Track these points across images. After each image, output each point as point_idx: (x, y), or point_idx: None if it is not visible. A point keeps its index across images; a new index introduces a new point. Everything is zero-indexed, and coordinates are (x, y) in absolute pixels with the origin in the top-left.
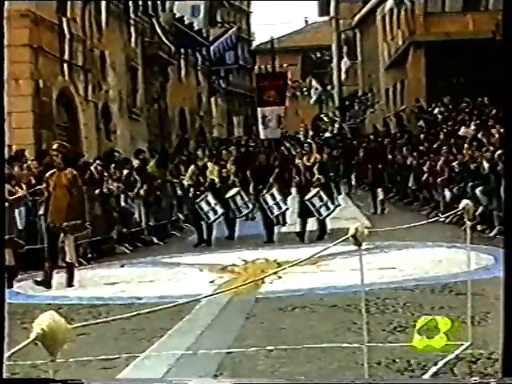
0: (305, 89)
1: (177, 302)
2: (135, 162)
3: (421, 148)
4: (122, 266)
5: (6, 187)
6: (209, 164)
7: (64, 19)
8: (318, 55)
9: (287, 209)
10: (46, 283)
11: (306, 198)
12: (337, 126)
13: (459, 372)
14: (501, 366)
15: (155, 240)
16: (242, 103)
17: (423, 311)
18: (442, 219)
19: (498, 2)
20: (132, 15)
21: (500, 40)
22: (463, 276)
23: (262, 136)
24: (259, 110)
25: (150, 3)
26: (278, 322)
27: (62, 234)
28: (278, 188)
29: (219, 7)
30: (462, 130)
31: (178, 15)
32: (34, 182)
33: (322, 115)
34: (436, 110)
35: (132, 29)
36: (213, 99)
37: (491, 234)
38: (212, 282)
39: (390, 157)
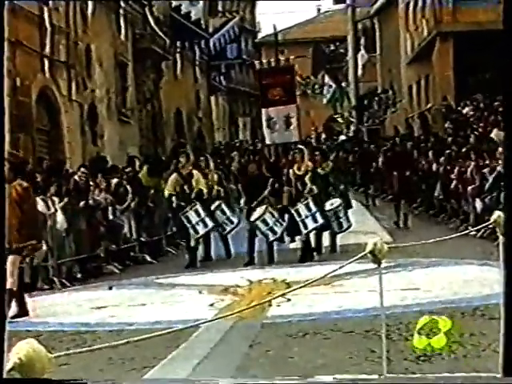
0: (316, 86)
1: (172, 327)
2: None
3: (448, 152)
4: (111, 288)
5: None
6: (194, 172)
7: (45, 9)
8: (332, 48)
9: (284, 229)
10: (20, 312)
11: (294, 208)
12: (353, 128)
13: None
14: (501, 366)
15: (148, 258)
16: (247, 103)
17: (451, 337)
18: (472, 233)
19: None
20: (122, 4)
21: None
22: (496, 298)
23: (267, 141)
24: (263, 111)
25: None
26: (286, 350)
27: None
28: (270, 205)
29: None
30: (495, 133)
31: (173, 4)
32: None
33: (336, 116)
34: (465, 110)
35: (121, 19)
36: (213, 98)
37: None
38: (212, 305)
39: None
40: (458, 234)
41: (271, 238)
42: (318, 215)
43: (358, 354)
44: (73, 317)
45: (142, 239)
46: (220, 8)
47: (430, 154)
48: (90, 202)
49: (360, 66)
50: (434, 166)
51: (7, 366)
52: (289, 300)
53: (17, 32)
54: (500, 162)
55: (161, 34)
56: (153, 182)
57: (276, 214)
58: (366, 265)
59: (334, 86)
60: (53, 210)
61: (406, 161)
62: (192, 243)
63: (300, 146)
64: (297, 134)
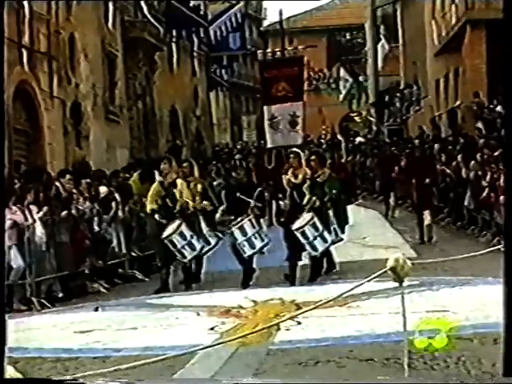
0: (331, 81)
1: (166, 354)
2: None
3: (480, 156)
4: (96, 310)
5: None
6: (178, 181)
7: None
8: (348, 37)
9: (265, 245)
10: None
11: (295, 227)
12: (372, 127)
13: None
14: (501, 366)
15: (139, 275)
16: (251, 99)
17: (482, 367)
18: None
19: None
20: None
21: None
22: None
23: (269, 143)
24: (265, 108)
25: None
26: (294, 379)
27: None
28: (253, 216)
29: None
30: None
31: None
32: None
33: (353, 114)
34: (499, 107)
35: (110, 4)
36: (213, 94)
37: None
38: (212, 328)
39: (440, 167)
40: (490, 248)
41: (247, 251)
42: (326, 234)
43: None
44: (53, 342)
45: (133, 254)
46: None
47: (459, 157)
48: (73, 211)
49: (380, 58)
50: (464, 172)
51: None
52: (299, 323)
53: None
54: None
55: (154, 21)
56: (145, 189)
57: (259, 225)
58: (386, 283)
59: (350, 80)
60: (31, 220)
61: (426, 165)
62: (188, 259)
63: (296, 150)
64: (303, 135)
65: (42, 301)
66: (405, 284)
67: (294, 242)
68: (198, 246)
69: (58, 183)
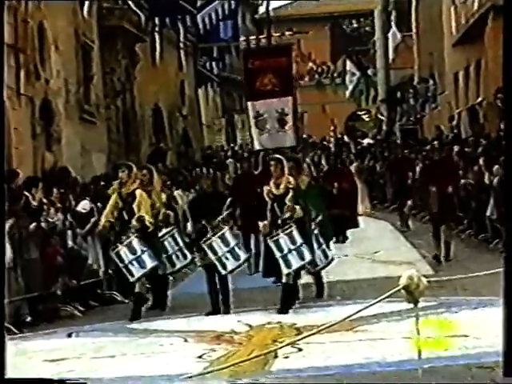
0: (335, 75)
1: None
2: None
3: (504, 160)
4: (70, 336)
5: None
6: (137, 192)
7: None
8: (355, 25)
9: (248, 258)
10: None
11: (270, 238)
12: (383, 127)
13: None
14: (501, 366)
15: (118, 297)
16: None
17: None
18: None
19: None
20: None
21: None
22: None
23: (256, 145)
24: (249, 105)
25: None
26: None
27: None
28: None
29: None
30: None
31: None
32: None
33: (361, 113)
34: None
35: None
36: (202, 91)
37: None
38: (201, 356)
39: (461, 173)
40: None
41: (230, 265)
42: (304, 249)
43: None
44: (21, 371)
45: (111, 272)
46: None
47: (481, 161)
48: (43, 224)
49: (391, 49)
50: (486, 177)
51: None
52: (299, 350)
53: None
54: None
55: (134, 7)
56: None
57: (231, 240)
58: (398, 304)
59: (357, 74)
60: None
61: (447, 172)
62: (135, 278)
63: (277, 156)
64: (293, 136)
65: (8, 326)
66: (420, 305)
67: (270, 256)
68: (148, 264)
69: (26, 192)
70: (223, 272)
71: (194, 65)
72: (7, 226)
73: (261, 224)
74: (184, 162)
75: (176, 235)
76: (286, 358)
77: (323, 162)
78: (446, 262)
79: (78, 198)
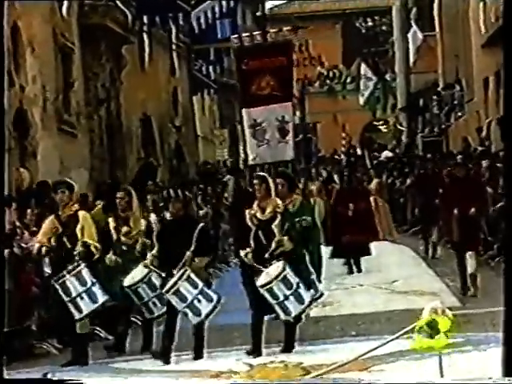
0: (348, 80)
1: None
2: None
3: None
4: (45, 375)
5: None
6: (80, 214)
7: None
8: (370, 24)
9: (217, 302)
10: None
11: (259, 283)
12: (403, 139)
13: None
14: (501, 366)
15: (101, 332)
16: None
17: None
18: None
19: None
20: None
21: None
22: None
23: (251, 159)
24: (244, 112)
25: None
26: None
27: None
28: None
29: None
30: None
31: None
32: None
33: (378, 123)
34: None
35: None
36: (197, 98)
37: None
38: None
39: (489, 190)
40: None
41: (193, 320)
42: (302, 290)
43: None
44: None
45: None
46: None
47: None
48: (16, 250)
49: (412, 51)
50: None
51: None
52: None
53: None
54: None
55: (121, 5)
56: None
57: (202, 278)
58: None
59: (373, 79)
60: None
61: (473, 191)
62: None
63: (261, 174)
64: (293, 147)
65: None
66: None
67: (261, 300)
68: (100, 298)
69: None
70: (196, 320)
71: (187, 69)
72: None
73: (242, 252)
74: (176, 179)
75: (153, 278)
76: None
77: (335, 178)
78: (473, 292)
79: None
